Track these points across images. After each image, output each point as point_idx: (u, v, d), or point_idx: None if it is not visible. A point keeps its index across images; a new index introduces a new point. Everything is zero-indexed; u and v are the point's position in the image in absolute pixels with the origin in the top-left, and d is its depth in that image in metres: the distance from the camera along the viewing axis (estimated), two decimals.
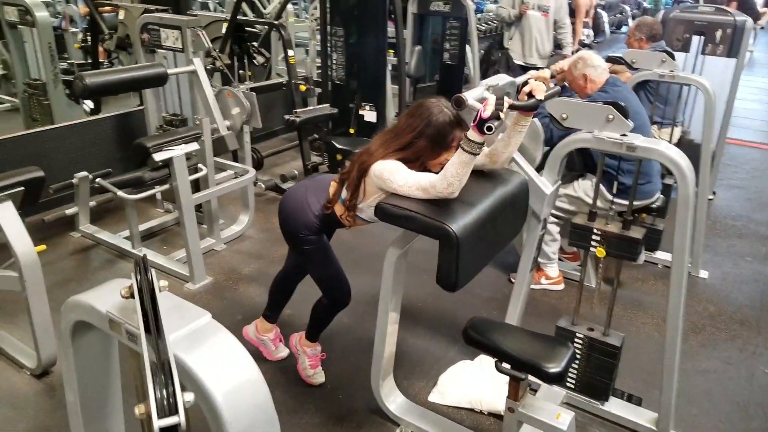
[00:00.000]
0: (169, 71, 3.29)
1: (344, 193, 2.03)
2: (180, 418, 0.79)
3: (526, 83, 1.86)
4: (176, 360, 0.89)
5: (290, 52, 4.18)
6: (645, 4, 14.65)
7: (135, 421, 0.97)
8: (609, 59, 3.46)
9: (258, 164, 4.58)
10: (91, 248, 3.61)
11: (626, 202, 3.03)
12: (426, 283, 3.14)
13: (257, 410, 0.97)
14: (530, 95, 1.83)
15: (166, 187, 3.16)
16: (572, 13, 7.65)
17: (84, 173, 3.47)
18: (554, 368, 1.72)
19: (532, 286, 3.34)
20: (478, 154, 1.69)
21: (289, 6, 6.13)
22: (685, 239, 2.02)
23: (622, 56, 3.52)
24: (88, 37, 5.10)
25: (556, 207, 3.08)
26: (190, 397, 0.85)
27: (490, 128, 1.61)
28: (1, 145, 3.67)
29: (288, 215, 2.18)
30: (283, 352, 2.68)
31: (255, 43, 4.55)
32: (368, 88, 4.78)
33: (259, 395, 0.98)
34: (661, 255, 3.60)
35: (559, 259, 3.45)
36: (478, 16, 8.79)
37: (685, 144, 3.95)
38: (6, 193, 2.23)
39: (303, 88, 4.27)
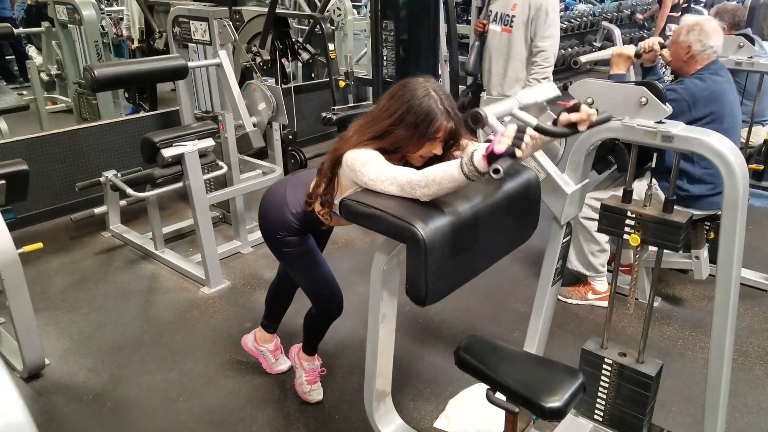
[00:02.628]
0: (192, 64, 3.18)
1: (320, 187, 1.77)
2: None
3: (575, 107, 1.48)
4: None
5: (331, 47, 3.99)
6: None
7: None
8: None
9: (301, 166, 4.43)
10: (117, 248, 3.56)
11: (688, 211, 2.63)
12: (458, 295, 2.83)
13: None
14: (572, 125, 1.48)
15: (180, 185, 3.03)
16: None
17: (112, 171, 3.42)
18: (552, 402, 1.42)
19: (578, 302, 2.95)
20: (475, 181, 1.37)
21: (348, 2, 5.97)
22: (733, 248, 1.60)
23: None
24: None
25: None
26: None
27: (497, 171, 1.27)
28: (36, 142, 3.72)
29: (264, 215, 1.96)
30: (283, 365, 2.46)
31: (300, 39, 4.40)
32: None
33: None
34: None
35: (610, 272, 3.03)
36: (568, 12, 8.33)
37: None
38: None
39: (342, 84, 4.07)
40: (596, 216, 2.72)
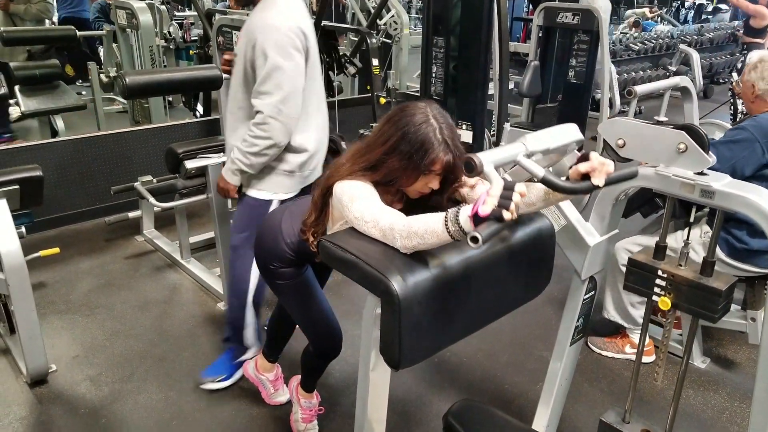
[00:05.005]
0: (228, 75, 3.12)
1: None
2: None
3: (585, 157, 1.28)
4: None
5: (374, 62, 3.87)
6: None
7: None
8: None
9: None
10: (147, 254, 3.56)
11: (746, 267, 2.33)
12: (482, 335, 2.62)
13: None
14: (585, 177, 1.28)
15: (202, 197, 2.97)
16: None
17: (148, 177, 3.41)
18: None
19: (613, 355, 2.68)
20: (461, 241, 1.18)
21: (405, 17, 5.85)
22: None
23: None
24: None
25: None
26: None
27: (475, 239, 1.08)
28: (84, 142, 3.78)
29: (258, 244, 1.83)
30: (283, 396, 2.33)
31: (347, 54, 4.31)
32: (466, 105, 4.33)
33: None
34: None
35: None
36: (644, 33, 7.90)
37: None
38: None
39: (383, 100, 3.94)
40: None
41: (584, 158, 1.27)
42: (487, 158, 1.24)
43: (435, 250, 1.28)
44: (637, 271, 1.62)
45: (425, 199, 1.49)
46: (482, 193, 1.12)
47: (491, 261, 1.36)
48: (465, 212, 1.14)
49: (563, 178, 1.31)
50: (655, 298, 1.60)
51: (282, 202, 2.16)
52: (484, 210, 1.10)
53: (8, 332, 2.60)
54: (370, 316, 1.59)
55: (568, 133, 1.49)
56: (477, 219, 1.11)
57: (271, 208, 2.15)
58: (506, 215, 1.09)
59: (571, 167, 1.29)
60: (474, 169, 1.23)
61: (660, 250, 1.60)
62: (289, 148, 2.11)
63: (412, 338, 1.24)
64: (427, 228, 1.20)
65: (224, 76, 2.34)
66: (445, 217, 1.17)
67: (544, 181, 1.27)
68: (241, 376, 2.41)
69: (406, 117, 1.41)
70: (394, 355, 1.25)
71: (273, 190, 2.17)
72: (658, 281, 1.58)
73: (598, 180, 1.26)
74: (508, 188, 1.11)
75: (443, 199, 1.48)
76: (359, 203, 1.37)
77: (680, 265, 1.57)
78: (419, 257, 1.27)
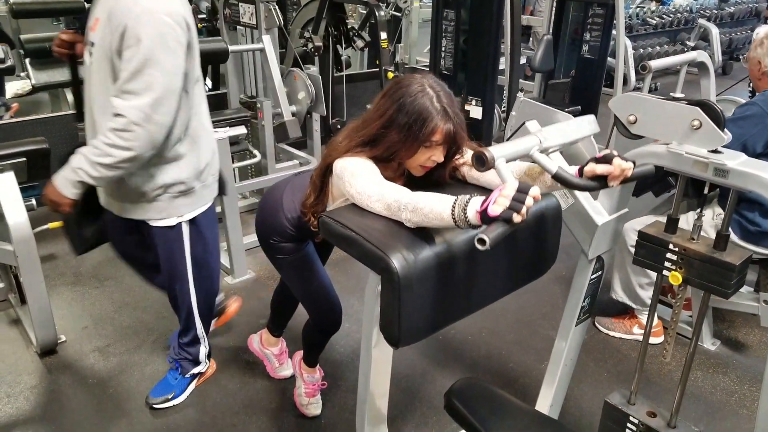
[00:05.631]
0: (234, 48, 3.10)
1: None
2: None
3: (607, 158, 1.23)
4: None
5: (383, 36, 3.80)
6: None
7: None
8: None
9: None
10: None
11: (759, 250, 2.28)
12: (487, 312, 2.61)
13: None
14: (599, 178, 1.24)
15: None
16: None
17: None
18: None
19: (621, 335, 2.66)
20: (461, 229, 1.17)
21: None
22: None
23: None
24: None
25: None
26: None
27: (482, 241, 1.04)
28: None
29: (259, 218, 1.82)
30: (287, 370, 2.35)
31: (356, 26, 4.24)
32: (476, 80, 4.25)
33: None
34: None
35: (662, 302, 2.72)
36: (662, 8, 7.70)
37: None
38: (6, 162, 2.13)
39: (390, 75, 3.87)
40: None
41: (606, 159, 1.22)
42: (499, 152, 1.20)
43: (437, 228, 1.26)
44: (648, 244, 1.56)
45: (427, 175, 1.46)
46: (495, 191, 1.09)
47: None
48: (474, 206, 1.11)
49: (575, 171, 1.27)
50: (665, 273, 1.56)
51: (192, 221, 1.92)
52: (495, 210, 1.06)
53: (19, 303, 2.63)
54: (372, 293, 1.58)
55: (585, 126, 1.44)
56: (485, 217, 1.08)
57: (185, 234, 1.92)
58: (516, 218, 1.05)
59: (588, 162, 1.25)
60: (485, 164, 1.19)
61: (672, 223, 1.54)
62: (179, 160, 1.80)
63: (412, 316, 1.22)
64: (433, 209, 1.17)
65: (85, 61, 1.78)
66: (453, 204, 1.15)
67: (556, 177, 1.23)
68: (192, 390, 2.28)
69: (402, 89, 1.38)
70: (394, 333, 1.23)
71: (177, 213, 1.88)
72: (669, 255, 1.53)
73: (613, 183, 1.23)
74: (522, 191, 1.07)
75: (445, 173, 1.45)
76: (361, 178, 1.35)
77: (692, 239, 1.52)
78: (421, 235, 1.24)
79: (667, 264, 1.54)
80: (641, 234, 1.57)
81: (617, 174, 1.22)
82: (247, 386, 2.32)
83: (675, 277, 1.52)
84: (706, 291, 1.52)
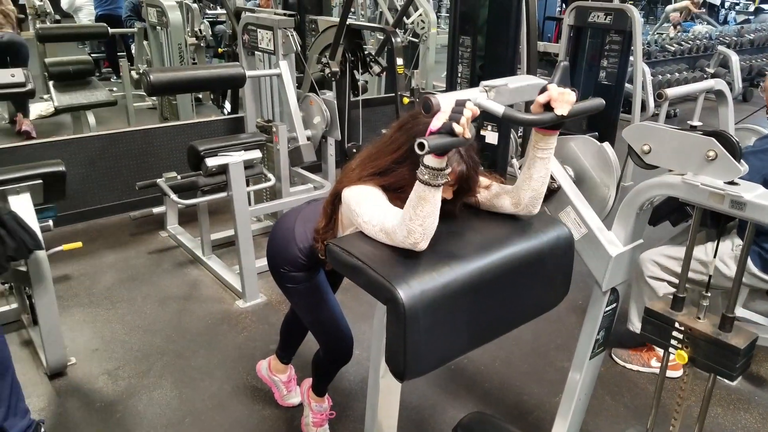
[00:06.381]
0: (251, 73, 3.13)
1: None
2: None
3: (543, 89, 1.26)
4: None
5: (399, 61, 3.81)
6: None
7: None
8: None
9: None
10: (170, 249, 3.58)
11: (752, 332, 2.22)
12: (500, 342, 2.55)
13: None
14: (548, 107, 1.25)
15: (223, 195, 2.97)
16: None
17: (173, 173, 3.43)
18: None
19: (638, 368, 2.59)
20: (440, 185, 1.17)
21: (433, 15, 5.78)
22: None
23: None
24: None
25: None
26: None
27: (421, 146, 1.07)
28: (112, 138, 3.83)
29: (270, 246, 1.81)
30: (295, 398, 2.32)
31: (372, 52, 4.27)
32: None
33: None
34: None
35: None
36: (681, 35, 7.67)
37: None
38: (23, 184, 2.16)
39: (406, 100, 3.88)
40: (665, 276, 2.38)
41: (543, 89, 1.25)
42: (446, 98, 1.21)
43: (445, 257, 1.24)
44: (654, 321, 1.54)
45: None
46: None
47: (505, 269, 1.31)
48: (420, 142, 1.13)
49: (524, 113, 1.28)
50: (671, 350, 1.53)
51: None
52: (435, 125, 1.12)
53: (32, 323, 2.64)
54: (380, 323, 1.55)
55: (530, 79, 1.44)
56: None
57: None
58: (457, 128, 1.10)
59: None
60: (431, 109, 1.20)
61: (677, 302, 1.52)
62: None
63: (419, 349, 1.19)
64: (409, 203, 1.20)
65: None
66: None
67: (504, 116, 1.23)
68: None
69: (418, 126, 1.37)
70: (399, 365, 1.20)
71: None
72: (675, 333, 1.51)
73: (560, 110, 1.22)
74: (460, 104, 1.12)
75: (455, 208, 1.43)
76: (366, 207, 1.33)
77: (698, 318, 1.49)
78: (429, 265, 1.22)
79: (673, 342, 1.52)
80: (647, 310, 1.56)
81: (557, 98, 1.22)
82: (254, 414, 2.29)
83: (681, 357, 1.51)
84: (711, 372, 1.49)
